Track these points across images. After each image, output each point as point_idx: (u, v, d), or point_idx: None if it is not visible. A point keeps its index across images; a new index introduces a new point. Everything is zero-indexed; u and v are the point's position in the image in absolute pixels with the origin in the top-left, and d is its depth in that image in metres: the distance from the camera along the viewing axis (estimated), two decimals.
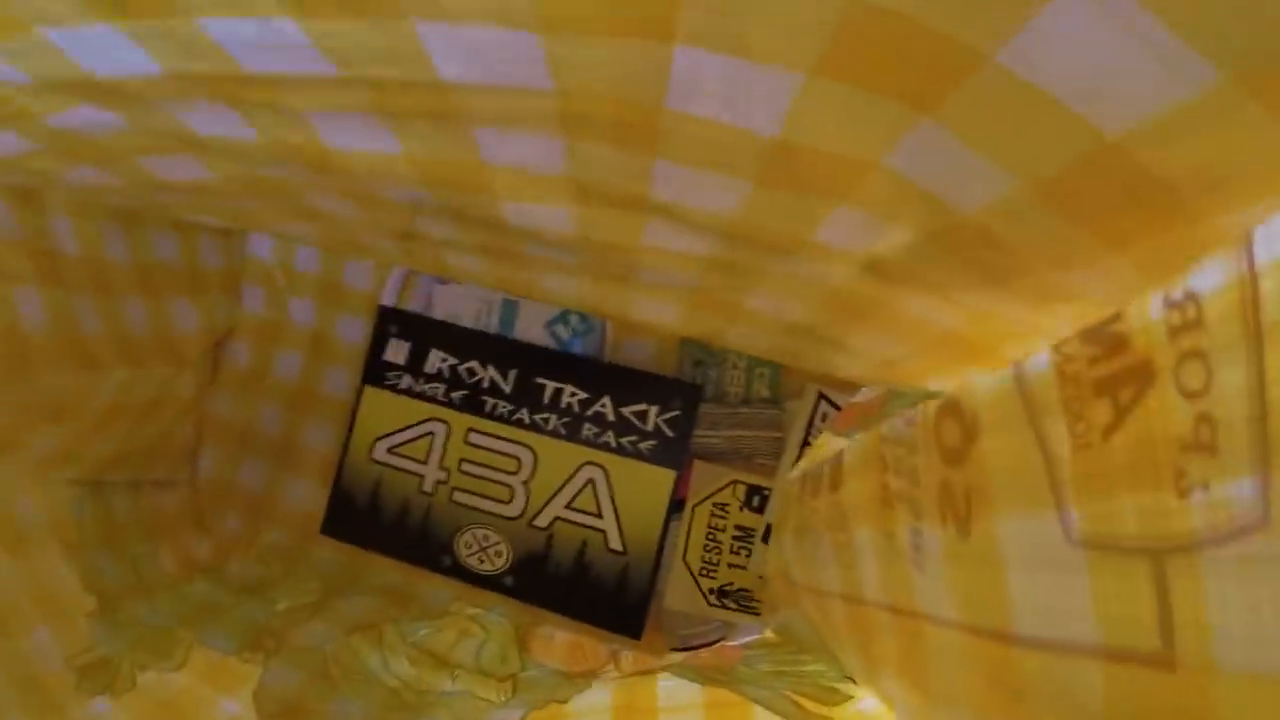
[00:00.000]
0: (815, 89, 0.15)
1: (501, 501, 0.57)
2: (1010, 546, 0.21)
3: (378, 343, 0.59)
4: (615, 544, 0.56)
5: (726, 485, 0.55)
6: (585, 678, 0.54)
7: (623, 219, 0.26)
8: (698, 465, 0.56)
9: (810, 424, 0.54)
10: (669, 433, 0.55)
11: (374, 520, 0.59)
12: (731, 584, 0.55)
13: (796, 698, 0.42)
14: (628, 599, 0.55)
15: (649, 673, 0.48)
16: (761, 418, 0.55)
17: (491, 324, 0.58)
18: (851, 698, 0.41)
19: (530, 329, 0.58)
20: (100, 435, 0.50)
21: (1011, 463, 0.21)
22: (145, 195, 0.39)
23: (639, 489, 0.55)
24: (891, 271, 0.24)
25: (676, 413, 0.55)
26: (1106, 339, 0.17)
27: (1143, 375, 0.16)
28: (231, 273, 0.61)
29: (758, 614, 0.54)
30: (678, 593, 0.55)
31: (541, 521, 0.57)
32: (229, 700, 0.48)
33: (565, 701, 0.46)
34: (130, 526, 0.57)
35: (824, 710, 0.40)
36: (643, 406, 0.56)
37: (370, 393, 0.59)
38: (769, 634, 0.52)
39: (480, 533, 0.57)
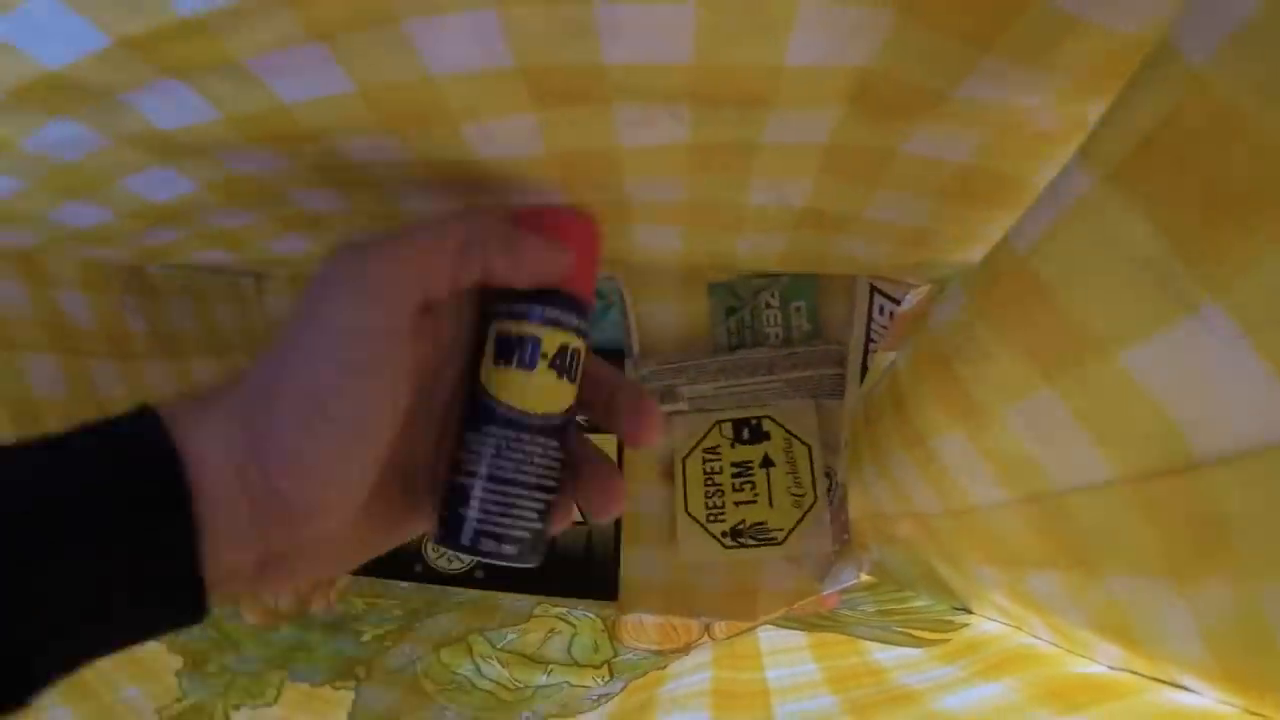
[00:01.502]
0: None
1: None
2: (1150, 376, 0.18)
3: None
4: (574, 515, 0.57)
5: (711, 428, 0.55)
6: (681, 652, 0.52)
7: (588, 114, 0.24)
8: (676, 420, 0.55)
9: (869, 323, 0.51)
10: None
11: None
12: (743, 521, 0.53)
13: (910, 631, 0.39)
14: (595, 563, 0.57)
15: (746, 630, 0.46)
16: (821, 354, 0.52)
17: None
18: (966, 625, 0.38)
19: None
20: None
21: (1104, 289, 0.18)
22: (140, 237, 0.39)
23: None
24: (885, 95, 0.21)
25: None
26: None
27: None
28: (251, 334, 0.61)
29: (778, 543, 0.53)
30: (689, 545, 0.54)
31: None
32: None
33: (664, 669, 0.44)
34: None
35: (941, 637, 0.37)
36: None
37: None
38: (864, 577, 0.49)
39: None
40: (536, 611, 0.56)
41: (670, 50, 0.20)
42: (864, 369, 0.51)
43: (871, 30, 0.18)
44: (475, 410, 0.32)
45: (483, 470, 0.31)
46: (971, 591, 0.35)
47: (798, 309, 0.53)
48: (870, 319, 0.50)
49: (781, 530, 0.53)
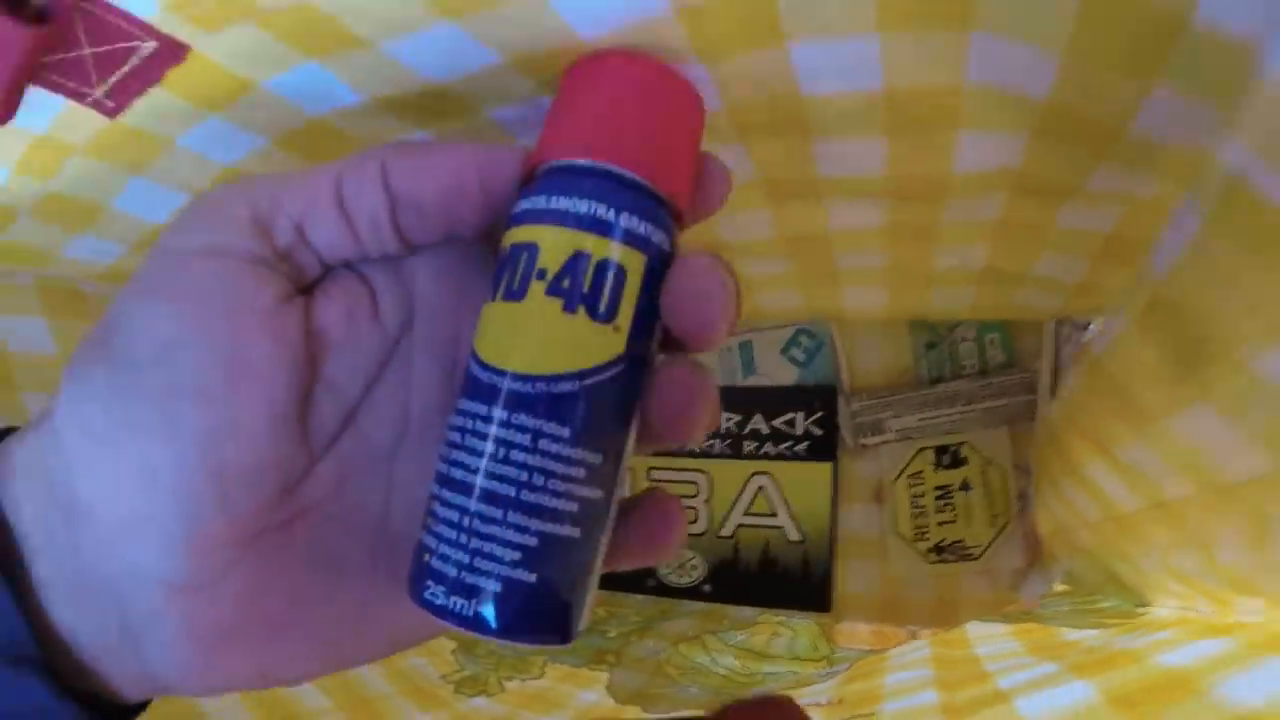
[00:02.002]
0: (890, 43, 0.22)
1: (689, 523, 0.64)
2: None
3: None
4: (793, 535, 0.63)
5: (915, 455, 0.61)
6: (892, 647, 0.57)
7: (807, 208, 0.33)
8: (883, 448, 0.61)
9: (1056, 352, 0.55)
10: (817, 431, 0.63)
11: None
12: (945, 539, 0.59)
13: (1099, 620, 0.44)
14: (812, 579, 0.62)
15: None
16: (1016, 383, 0.58)
17: (735, 367, 0.65)
18: (1145, 614, 0.42)
19: (770, 361, 0.65)
20: None
21: (1229, 307, 0.20)
22: None
23: (804, 484, 0.63)
24: (1034, 183, 0.29)
25: (820, 413, 0.63)
26: None
27: None
28: None
29: (975, 559, 0.58)
30: (898, 561, 0.60)
31: (726, 532, 0.64)
32: (586, 692, 0.55)
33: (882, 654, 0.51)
34: None
35: (1124, 622, 0.42)
36: (790, 415, 0.63)
37: None
38: (1059, 586, 0.54)
39: None
40: (760, 618, 0.63)
41: (869, 168, 0.29)
42: (1054, 395, 0.55)
43: (1013, 145, 0.26)
44: (463, 375, 0.22)
45: (441, 471, 0.21)
46: (1146, 584, 0.40)
47: (992, 341, 0.59)
48: (1057, 348, 0.55)
49: (978, 547, 0.58)
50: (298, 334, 0.21)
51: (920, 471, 0.61)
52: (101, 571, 0.20)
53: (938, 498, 0.60)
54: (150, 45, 0.25)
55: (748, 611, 0.65)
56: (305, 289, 0.22)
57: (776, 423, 0.64)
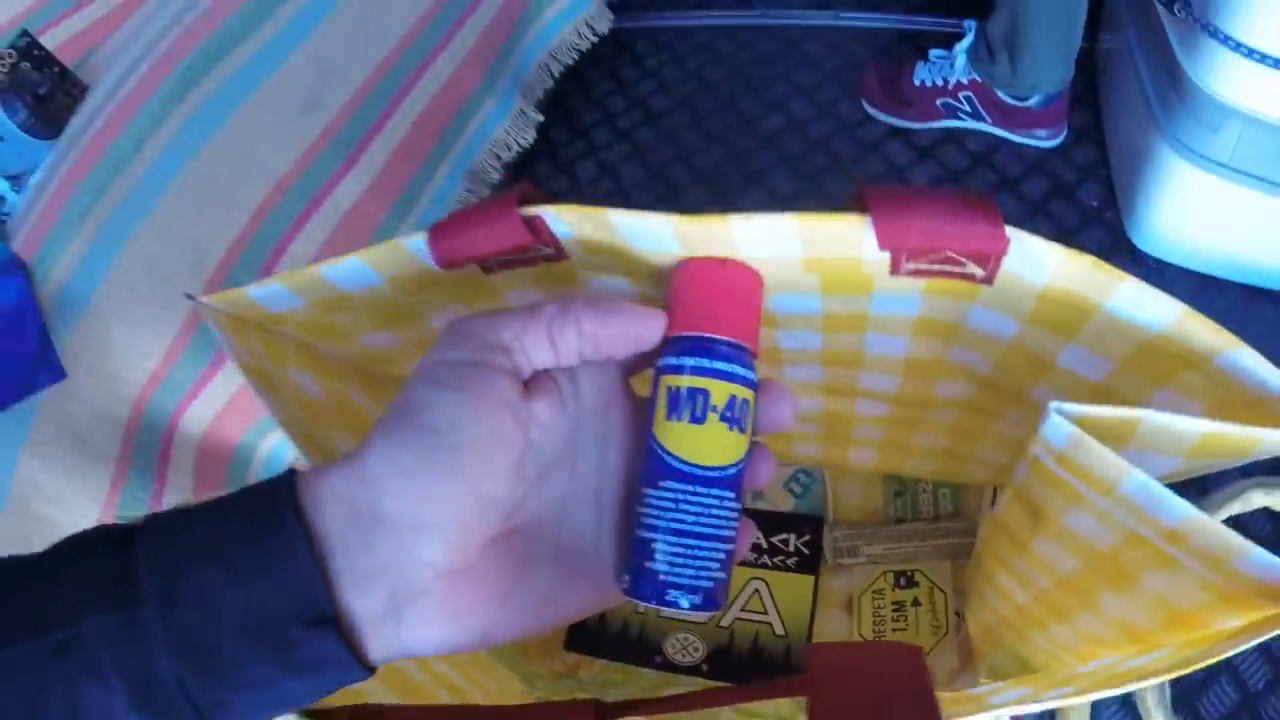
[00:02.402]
0: (916, 341, 0.43)
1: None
2: (1075, 527, 0.33)
3: None
4: (779, 630, 0.72)
5: (879, 576, 0.73)
6: None
7: (844, 400, 0.54)
8: (856, 569, 0.73)
9: (993, 506, 0.65)
10: (805, 550, 0.74)
11: (603, 635, 0.74)
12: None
13: None
14: (793, 667, 0.71)
15: None
16: (960, 527, 0.72)
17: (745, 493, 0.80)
18: None
19: (773, 491, 0.78)
20: None
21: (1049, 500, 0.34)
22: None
23: (790, 591, 0.73)
24: (980, 407, 0.50)
25: (808, 537, 0.75)
26: None
27: None
28: None
29: None
30: None
31: (725, 623, 0.73)
32: None
33: None
34: (511, 651, 0.73)
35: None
36: (785, 535, 0.75)
37: None
38: (983, 680, 0.65)
39: (681, 636, 0.73)
40: None
41: (887, 388, 0.50)
42: None
43: (968, 389, 0.46)
44: (652, 465, 0.33)
45: (663, 524, 0.32)
46: (1043, 660, 0.48)
47: (944, 494, 0.74)
48: (993, 505, 0.71)
49: (923, 650, 0.72)
50: (525, 415, 0.31)
51: (882, 589, 0.71)
52: (386, 563, 0.27)
53: (894, 610, 0.70)
54: (550, 250, 0.36)
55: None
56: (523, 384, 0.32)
57: (773, 540, 0.75)
